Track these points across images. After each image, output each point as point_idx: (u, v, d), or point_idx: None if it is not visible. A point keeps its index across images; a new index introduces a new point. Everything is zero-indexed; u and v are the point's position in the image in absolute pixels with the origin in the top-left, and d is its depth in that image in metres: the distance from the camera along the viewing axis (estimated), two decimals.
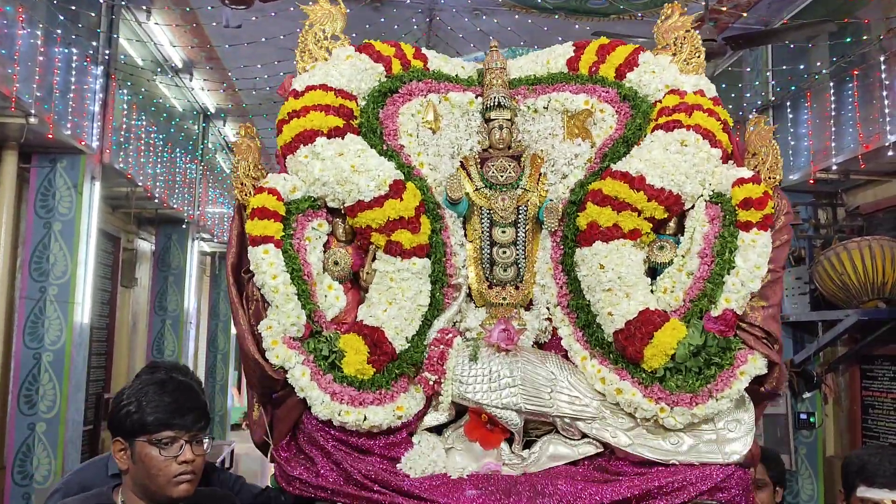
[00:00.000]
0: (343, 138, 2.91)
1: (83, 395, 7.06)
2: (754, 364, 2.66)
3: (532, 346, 2.96)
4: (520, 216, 3.06)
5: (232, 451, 11.42)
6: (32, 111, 5.77)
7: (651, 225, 2.89)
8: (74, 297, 6.71)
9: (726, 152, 2.99)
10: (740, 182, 2.81)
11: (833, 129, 7.06)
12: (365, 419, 2.61)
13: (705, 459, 2.63)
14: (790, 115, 7.81)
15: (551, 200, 3.04)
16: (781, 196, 2.88)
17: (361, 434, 2.65)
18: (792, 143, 7.70)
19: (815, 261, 7.12)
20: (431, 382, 2.74)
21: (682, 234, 2.97)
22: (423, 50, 3.36)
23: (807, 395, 7.42)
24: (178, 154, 9.69)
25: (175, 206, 9.47)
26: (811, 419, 7.48)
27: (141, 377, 2.36)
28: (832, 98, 7.10)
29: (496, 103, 3.15)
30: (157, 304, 10.47)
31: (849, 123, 6.92)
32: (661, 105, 3.04)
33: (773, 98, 8.13)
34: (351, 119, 3.00)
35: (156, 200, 8.80)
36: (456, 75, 3.31)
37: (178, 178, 9.70)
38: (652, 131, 2.99)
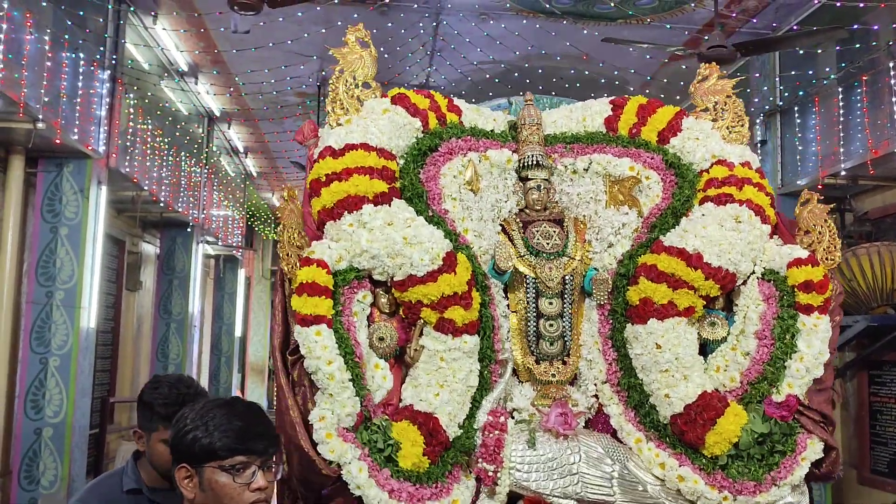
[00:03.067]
0: (390, 205, 2.71)
1: (89, 399, 7.04)
2: (813, 448, 2.62)
3: (582, 425, 2.84)
4: (566, 286, 2.91)
5: None
6: (40, 116, 5.76)
7: (704, 302, 2.81)
8: (81, 301, 6.69)
9: (773, 227, 2.93)
10: (798, 263, 2.74)
11: (841, 134, 7.04)
12: None
13: None
14: (798, 121, 7.79)
15: (596, 270, 2.93)
16: (835, 276, 2.82)
17: None
18: (800, 148, 7.68)
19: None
20: (490, 473, 2.57)
21: (729, 309, 2.89)
22: (455, 101, 3.21)
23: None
24: (184, 158, 9.68)
25: (180, 209, 9.46)
26: None
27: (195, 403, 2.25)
28: (840, 103, 7.08)
29: (534, 162, 3.01)
30: (161, 308, 10.44)
31: (857, 129, 6.89)
32: (709, 176, 2.96)
33: (781, 103, 8.11)
34: (393, 181, 2.81)
35: (161, 204, 8.79)
36: (492, 130, 3.17)
37: (183, 182, 9.69)
38: (700, 203, 2.90)
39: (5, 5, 5.32)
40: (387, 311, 2.75)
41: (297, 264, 2.61)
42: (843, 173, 7.04)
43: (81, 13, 6.54)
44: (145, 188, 8.12)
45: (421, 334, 2.70)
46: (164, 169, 8.84)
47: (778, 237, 2.94)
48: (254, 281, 16.56)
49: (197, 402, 1.99)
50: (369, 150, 2.79)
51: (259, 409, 2.05)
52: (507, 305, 2.90)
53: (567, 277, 2.92)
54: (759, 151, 8.20)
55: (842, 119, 7.04)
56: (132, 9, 7.51)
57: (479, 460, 2.58)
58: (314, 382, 2.49)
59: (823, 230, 2.89)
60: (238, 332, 14.38)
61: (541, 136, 3.09)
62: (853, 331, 6.71)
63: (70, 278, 6.69)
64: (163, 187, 8.76)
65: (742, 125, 3.12)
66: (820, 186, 7.27)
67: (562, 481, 2.58)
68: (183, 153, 9.65)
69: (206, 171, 10.80)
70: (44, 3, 5.94)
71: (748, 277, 2.85)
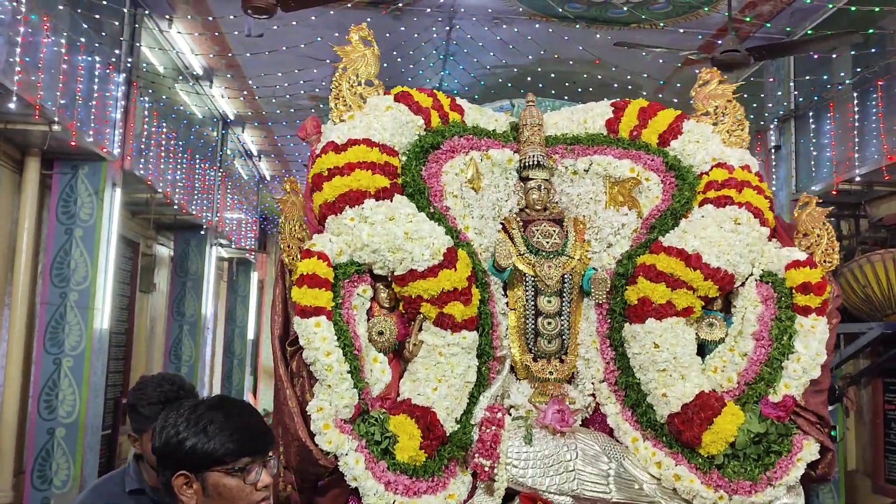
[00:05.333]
0: (391, 200, 2.74)
1: (102, 400, 7.09)
2: (809, 450, 2.64)
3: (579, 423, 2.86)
4: (565, 285, 2.93)
5: None
6: (55, 118, 5.81)
7: (702, 303, 2.83)
8: (95, 302, 6.74)
9: (771, 230, 2.96)
10: (796, 265, 2.77)
11: (856, 139, 6.99)
12: None
13: None
14: (813, 126, 7.74)
15: (595, 270, 2.94)
16: (832, 279, 2.85)
17: None
18: (814, 153, 7.63)
19: (837, 273, 7.03)
20: (487, 468, 2.57)
21: (727, 310, 2.91)
22: (458, 100, 3.23)
23: (828, 408, 7.32)
24: (198, 160, 9.74)
25: (194, 211, 9.52)
26: (832, 433, 7.35)
27: (173, 403, 2.24)
28: (855, 108, 7.03)
29: (535, 163, 3.03)
30: (174, 310, 10.50)
31: (872, 134, 6.84)
32: (709, 178, 2.99)
33: (796, 108, 8.06)
34: (395, 177, 2.83)
35: (175, 206, 8.84)
36: (493, 130, 3.19)
37: (196, 185, 9.75)
38: (700, 205, 2.93)
39: (23, 9, 5.38)
40: (387, 305, 2.77)
41: (298, 256, 2.62)
42: (857, 179, 6.99)
43: (98, 17, 6.60)
44: (159, 191, 8.18)
45: (420, 329, 2.71)
46: (179, 172, 8.90)
47: (776, 240, 2.96)
48: (266, 283, 16.62)
49: (177, 404, 1.96)
50: (372, 146, 2.81)
51: (250, 406, 2.06)
52: (506, 303, 2.92)
53: (566, 276, 2.93)
54: (773, 157, 8.16)
55: (857, 124, 6.99)
56: (148, 12, 7.57)
57: (476, 455, 2.58)
58: (312, 374, 2.50)
59: (822, 233, 2.92)
60: (251, 335, 14.44)
61: (542, 136, 3.12)
62: (868, 338, 6.65)
63: (84, 280, 6.74)
64: (177, 190, 8.81)
65: (742, 129, 3.15)
66: (834, 192, 7.22)
67: (558, 478, 2.58)
68: (197, 156, 9.71)
69: (219, 174, 10.86)
70: (60, 7, 6.00)
71: (746, 279, 2.87)
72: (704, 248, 2.76)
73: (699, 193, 2.97)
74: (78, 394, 6.60)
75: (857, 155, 6.96)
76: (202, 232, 10.45)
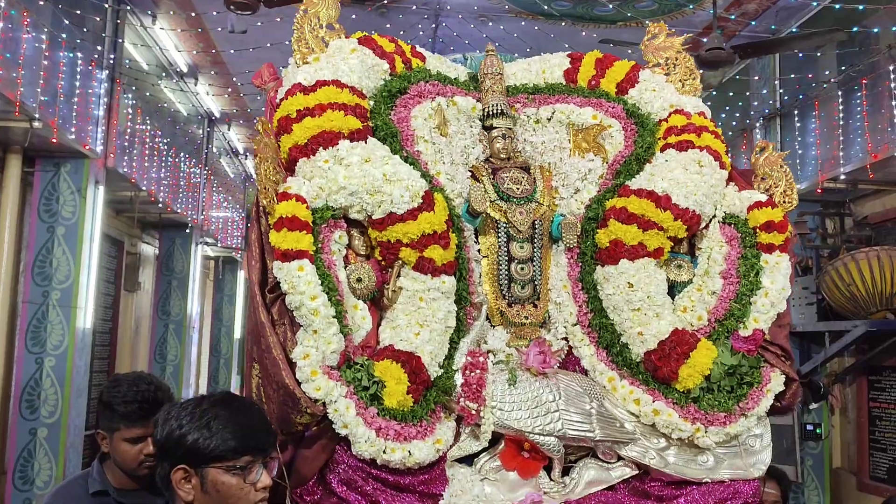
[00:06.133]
0: (366, 142, 2.67)
1: (85, 400, 7.03)
2: (777, 381, 2.72)
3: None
4: (535, 231, 2.95)
5: None
6: (37, 115, 5.76)
7: (671, 244, 2.89)
8: (77, 301, 6.68)
9: (727, 174, 3.05)
10: (759, 205, 2.87)
11: (841, 138, 7.02)
12: (410, 455, 2.40)
13: (734, 475, 2.69)
14: (798, 124, 7.77)
15: (563, 216, 2.97)
16: (789, 220, 2.94)
17: (400, 471, 2.44)
18: (800, 151, 7.66)
19: (822, 271, 7.07)
20: (473, 412, 2.55)
21: (690, 254, 3.00)
22: (418, 48, 3.22)
23: (813, 406, 7.35)
24: (182, 158, 9.67)
25: (179, 210, 9.45)
26: (818, 430, 7.41)
27: (184, 400, 2.18)
28: (840, 107, 7.06)
29: (498, 111, 3.04)
30: (160, 309, 10.43)
31: (857, 133, 6.88)
32: (668, 124, 3.05)
33: (781, 107, 8.09)
34: (366, 120, 2.77)
35: (159, 205, 8.78)
36: (456, 78, 3.19)
37: (181, 183, 9.68)
38: (662, 150, 2.99)
39: (2, 4, 5.32)
40: (362, 252, 2.70)
41: (275, 199, 2.53)
42: (842, 177, 7.03)
43: (79, 12, 6.54)
44: (144, 189, 8.11)
45: (399, 276, 2.66)
46: (163, 169, 8.84)
47: (734, 184, 3.05)
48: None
49: (157, 407, 1.92)
50: (341, 87, 2.75)
51: (255, 405, 2.03)
52: (479, 250, 2.91)
53: (536, 222, 2.95)
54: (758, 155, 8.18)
55: (842, 123, 7.03)
56: (130, 8, 7.51)
57: (462, 399, 2.56)
58: (295, 320, 2.42)
59: (780, 175, 3.03)
60: (237, 334, 14.36)
61: (503, 85, 3.13)
62: (852, 336, 6.68)
63: (66, 278, 6.67)
64: (161, 188, 8.75)
65: (694, 78, 3.25)
66: (819, 191, 7.25)
67: (542, 419, 2.60)
68: (182, 154, 9.65)
69: (205, 171, 10.79)
70: (41, 2, 5.94)
71: (710, 222, 2.97)
72: (673, 189, 2.83)
73: (659, 139, 3.04)
74: (60, 393, 6.54)
75: (841, 153, 6.99)
76: (187, 230, 10.38)
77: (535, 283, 2.93)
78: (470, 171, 3.02)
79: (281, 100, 2.78)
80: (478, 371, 2.60)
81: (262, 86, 2.96)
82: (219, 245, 12.13)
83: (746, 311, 2.77)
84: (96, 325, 7.42)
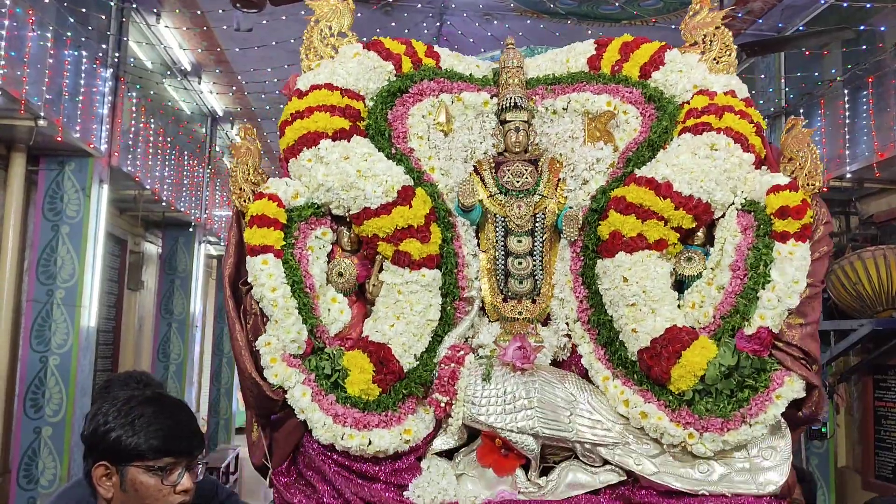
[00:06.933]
0: (349, 141, 2.74)
1: (89, 399, 7.01)
2: (791, 387, 2.45)
3: (549, 364, 2.76)
4: (537, 225, 2.86)
5: (237, 456, 11.38)
6: (41, 114, 5.74)
7: (678, 235, 2.69)
8: (81, 300, 6.67)
9: (759, 157, 2.78)
10: (776, 189, 2.58)
11: (847, 136, 7.00)
12: (370, 443, 2.44)
13: (738, 490, 2.43)
14: (803, 123, 7.74)
15: (570, 208, 2.84)
16: (821, 204, 2.66)
17: (366, 459, 2.48)
18: None
19: (828, 269, 7.04)
20: (443, 404, 2.56)
21: (712, 245, 2.75)
22: (436, 48, 3.18)
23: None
24: (186, 157, 9.66)
25: (182, 209, 9.44)
26: (823, 430, 7.40)
27: (115, 394, 2.10)
28: (846, 105, 7.04)
29: (512, 104, 2.96)
30: (163, 308, 10.43)
31: (863, 131, 6.85)
32: (689, 107, 2.85)
33: (786, 105, 8.07)
34: (358, 120, 2.83)
35: (163, 203, 8.77)
36: (470, 74, 3.13)
37: (185, 182, 9.67)
38: (679, 134, 2.80)
39: (7, 2, 5.31)
40: (349, 248, 2.79)
41: (251, 199, 2.66)
42: (848, 176, 7.00)
43: (84, 11, 6.53)
44: (147, 187, 8.10)
45: (381, 270, 2.72)
46: (167, 168, 8.83)
47: (767, 168, 2.80)
48: None
49: (114, 394, 1.91)
50: (333, 90, 2.83)
51: (186, 406, 2.01)
52: (478, 245, 2.88)
53: (538, 215, 2.86)
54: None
55: (847, 121, 7.00)
56: (135, 6, 7.50)
57: (434, 391, 2.58)
58: (263, 311, 2.54)
59: (806, 154, 2.74)
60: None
61: (521, 78, 3.05)
62: (858, 335, 6.66)
63: (71, 277, 6.67)
64: (165, 187, 8.74)
65: (729, 54, 3.00)
66: (825, 189, 7.23)
67: (517, 415, 2.51)
68: (185, 153, 9.64)
69: (208, 170, 10.78)
70: (46, 1, 5.92)
71: (728, 209, 2.72)
72: (675, 175, 2.63)
73: (679, 123, 2.84)
74: (65, 392, 6.53)
75: (847, 152, 6.97)
76: (191, 229, 10.38)
77: (536, 278, 2.86)
78: (473, 165, 2.98)
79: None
80: (452, 364, 2.59)
81: (288, 95, 2.98)
82: (222, 244, 12.13)
83: (752, 307, 2.49)
84: (100, 324, 7.41)
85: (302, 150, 2.72)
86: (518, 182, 2.90)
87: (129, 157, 7.62)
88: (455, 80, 3.07)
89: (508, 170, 2.92)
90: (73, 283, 6.66)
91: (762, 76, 8.40)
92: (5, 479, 6.34)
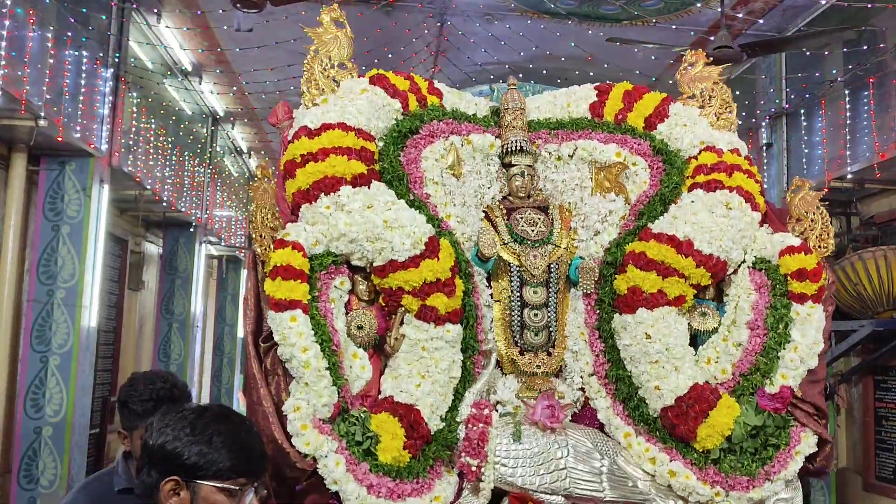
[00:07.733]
0: (369, 187, 2.61)
1: (90, 398, 7.02)
2: (808, 442, 2.55)
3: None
4: (551, 275, 2.82)
5: None
6: (42, 114, 5.74)
7: (695, 291, 2.73)
8: (82, 300, 6.67)
9: (762, 214, 2.86)
10: (791, 251, 2.68)
11: (848, 137, 6.99)
12: None
13: None
14: (804, 123, 7.74)
15: (582, 258, 2.84)
16: (827, 266, 2.76)
17: None
18: (806, 151, 7.64)
19: (828, 270, 7.04)
20: (473, 468, 2.45)
21: (718, 300, 2.82)
22: (436, 83, 3.14)
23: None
24: (187, 157, 9.66)
25: (183, 209, 9.44)
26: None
27: (167, 402, 2.07)
28: (847, 106, 7.03)
29: (517, 148, 2.92)
30: (163, 308, 10.42)
31: (864, 132, 6.85)
32: (698, 162, 2.88)
33: (787, 105, 8.06)
34: (372, 163, 2.71)
35: (164, 203, 8.77)
36: (474, 114, 3.08)
37: (186, 182, 9.67)
38: (689, 189, 2.83)
39: (8, 2, 5.30)
40: (366, 298, 2.65)
41: (271, 246, 2.50)
42: (849, 176, 7.00)
43: (85, 11, 6.52)
44: (148, 187, 8.10)
45: (402, 323, 2.59)
46: (168, 168, 8.82)
47: (768, 225, 2.87)
48: None
49: (179, 407, 1.89)
50: (347, 130, 2.69)
51: (253, 424, 1.97)
52: (491, 295, 2.82)
53: (552, 266, 2.83)
54: (764, 154, 8.16)
55: (848, 122, 6.99)
56: (136, 6, 7.49)
57: (463, 454, 2.47)
58: (288, 371, 2.38)
59: (816, 217, 2.83)
60: (240, 334, 14.35)
61: (524, 121, 3.01)
62: (859, 335, 6.66)
63: (71, 277, 6.66)
64: (166, 187, 8.73)
65: (730, 112, 3.06)
66: (826, 190, 7.16)
67: (549, 476, 2.48)
68: (186, 153, 9.63)
69: (209, 171, 10.78)
70: (47, 1, 5.92)
71: (739, 266, 2.78)
72: (696, 233, 2.66)
73: (688, 178, 2.88)
74: (65, 392, 6.52)
75: (848, 152, 6.96)
76: (191, 229, 10.37)
77: (550, 329, 2.82)
78: (484, 211, 2.92)
79: (289, 142, 2.75)
80: (480, 425, 2.49)
81: (277, 124, 2.91)
82: (222, 244, 12.13)
83: (774, 366, 2.58)
84: (101, 324, 7.41)
85: (319, 195, 2.58)
86: (532, 231, 2.86)
87: (130, 157, 7.61)
88: (462, 121, 3.01)
89: (521, 218, 2.87)
90: (73, 284, 6.66)
91: (763, 76, 8.39)
92: (6, 478, 6.33)
